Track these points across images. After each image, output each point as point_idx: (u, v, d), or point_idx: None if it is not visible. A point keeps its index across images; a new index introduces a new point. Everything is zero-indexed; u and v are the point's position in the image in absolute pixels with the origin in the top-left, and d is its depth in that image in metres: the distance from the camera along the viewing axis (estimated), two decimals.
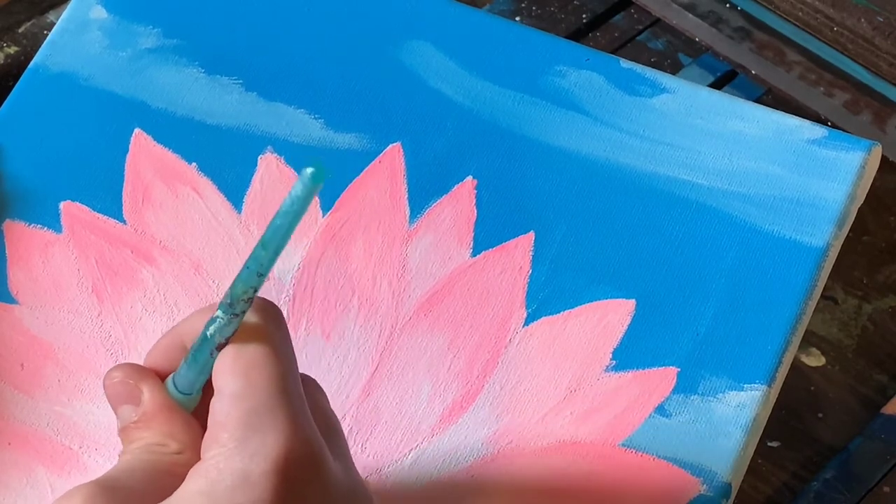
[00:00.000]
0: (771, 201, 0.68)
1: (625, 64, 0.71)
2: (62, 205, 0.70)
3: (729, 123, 0.69)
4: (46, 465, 0.66)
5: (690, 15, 0.91)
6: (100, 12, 0.74)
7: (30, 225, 0.70)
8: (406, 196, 0.69)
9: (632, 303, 0.66)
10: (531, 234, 0.68)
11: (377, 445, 0.65)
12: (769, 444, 0.74)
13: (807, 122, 0.69)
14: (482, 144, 0.70)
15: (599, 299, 0.67)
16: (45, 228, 0.70)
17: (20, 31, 0.83)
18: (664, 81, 0.71)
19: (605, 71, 0.71)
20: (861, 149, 0.68)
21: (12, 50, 0.81)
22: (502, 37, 0.72)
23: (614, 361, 0.65)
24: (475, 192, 0.69)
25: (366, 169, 0.70)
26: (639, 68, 0.71)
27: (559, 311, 0.67)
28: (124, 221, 0.70)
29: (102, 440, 0.66)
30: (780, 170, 0.68)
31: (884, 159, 0.82)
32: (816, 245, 0.67)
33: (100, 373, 0.67)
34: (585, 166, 0.69)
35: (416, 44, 0.72)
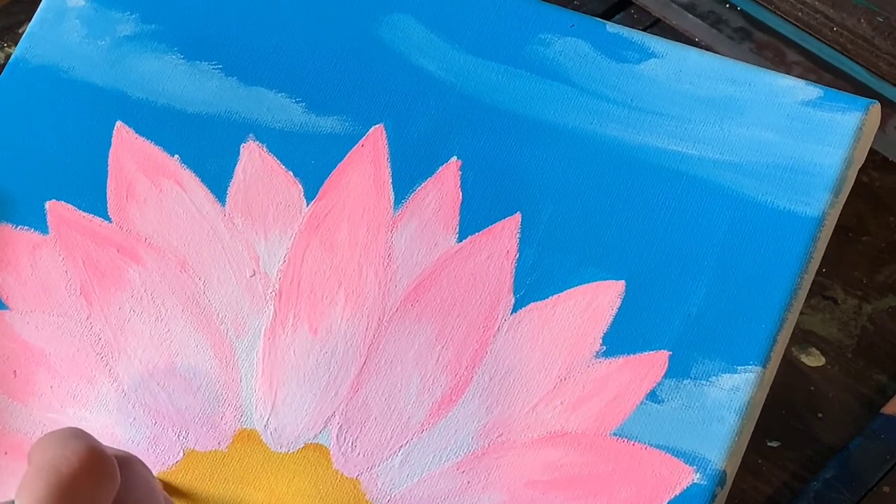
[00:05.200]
0: (764, 170, 0.65)
1: (611, 28, 0.69)
2: (48, 204, 0.70)
3: (720, 88, 0.67)
4: None
5: (690, 15, 0.89)
6: (77, 0, 0.73)
7: (16, 227, 0.70)
8: (390, 181, 0.68)
9: (621, 284, 0.65)
10: (517, 216, 0.66)
11: (367, 443, 0.64)
12: (769, 444, 0.73)
13: (801, 83, 0.66)
14: (466, 122, 0.68)
15: (588, 282, 0.65)
16: (32, 230, 0.69)
17: (20, 31, 0.82)
18: (652, 45, 0.68)
19: (590, 37, 0.68)
20: (858, 108, 0.65)
21: (12, 50, 0.81)
22: (485, 5, 0.70)
23: (604, 346, 0.64)
24: (460, 173, 0.67)
25: (349, 154, 0.68)
26: (626, 32, 0.68)
27: (547, 296, 0.65)
28: (109, 219, 0.69)
29: None
30: (774, 135, 0.66)
31: (884, 159, 0.80)
32: (812, 215, 0.64)
33: (91, 377, 0.67)
34: (572, 140, 0.67)
35: (396, 17, 0.70)
